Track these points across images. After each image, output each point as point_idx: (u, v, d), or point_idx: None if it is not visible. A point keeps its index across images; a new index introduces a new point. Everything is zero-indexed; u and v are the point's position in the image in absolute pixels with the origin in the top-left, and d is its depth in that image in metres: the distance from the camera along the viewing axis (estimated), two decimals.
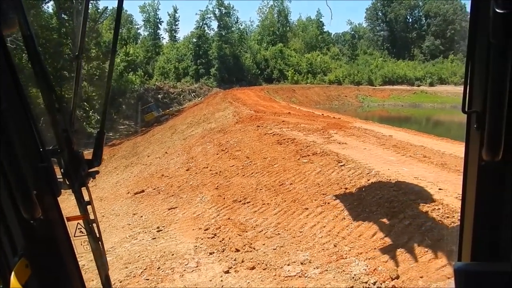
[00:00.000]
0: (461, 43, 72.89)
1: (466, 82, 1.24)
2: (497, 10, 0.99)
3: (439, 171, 8.13)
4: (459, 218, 4.60)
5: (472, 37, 1.19)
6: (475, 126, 1.25)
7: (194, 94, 51.52)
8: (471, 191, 1.34)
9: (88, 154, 1.48)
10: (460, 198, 1.37)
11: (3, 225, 1.26)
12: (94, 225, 1.53)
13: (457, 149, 10.89)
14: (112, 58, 1.62)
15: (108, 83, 1.61)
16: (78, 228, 1.51)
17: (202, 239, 6.75)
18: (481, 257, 1.35)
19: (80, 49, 1.48)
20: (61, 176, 1.39)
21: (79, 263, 1.54)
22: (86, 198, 1.49)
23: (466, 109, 1.27)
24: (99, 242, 1.56)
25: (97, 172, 1.49)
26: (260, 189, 8.76)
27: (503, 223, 1.30)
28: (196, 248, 6.36)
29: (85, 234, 1.52)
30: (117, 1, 1.39)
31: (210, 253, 6.09)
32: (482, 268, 1.32)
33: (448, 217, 5.49)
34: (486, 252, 1.35)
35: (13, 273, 1.20)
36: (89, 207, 1.50)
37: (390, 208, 6.21)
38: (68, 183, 1.40)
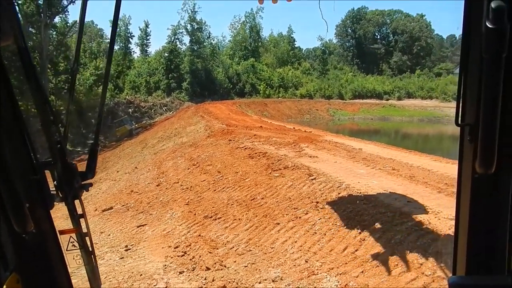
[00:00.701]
0: (426, 59, 75.77)
1: (459, 96, 1.27)
2: (489, 26, 1.03)
3: (407, 184, 8.27)
4: (427, 230, 4.62)
5: (465, 51, 1.21)
6: (468, 138, 1.27)
7: (165, 108, 50.99)
8: (465, 203, 1.34)
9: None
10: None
11: None
12: (87, 238, 1.50)
13: (425, 161, 11.16)
14: (107, 69, 1.60)
15: (103, 96, 1.61)
16: (71, 242, 1.48)
17: (171, 257, 6.56)
18: (475, 271, 1.34)
19: (75, 63, 1.51)
20: (54, 188, 1.36)
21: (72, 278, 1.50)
22: (79, 211, 1.47)
23: (459, 122, 1.29)
24: (92, 256, 1.53)
25: (91, 184, 1.47)
26: (232, 204, 8.66)
27: (498, 236, 1.30)
28: (165, 267, 6.17)
29: (78, 248, 1.49)
30: (113, 14, 1.39)
31: (180, 272, 5.91)
32: (477, 281, 1.32)
33: (416, 229, 5.55)
34: (481, 266, 1.34)
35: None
36: (82, 220, 1.48)
37: (360, 222, 6.24)
38: (61, 195, 1.38)
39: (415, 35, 75.41)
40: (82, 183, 1.43)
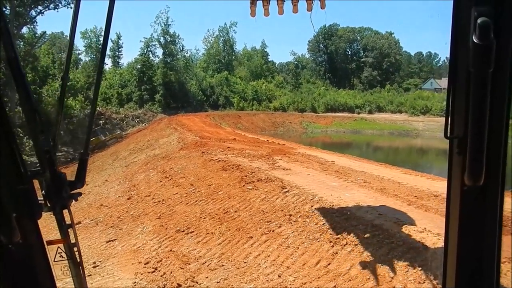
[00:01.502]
0: (396, 74, 78.05)
1: (447, 109, 1.28)
2: (476, 41, 1.08)
3: (378, 196, 8.38)
4: (397, 242, 4.66)
5: (453, 66, 1.24)
6: (457, 151, 1.27)
7: (138, 120, 50.24)
8: (454, 215, 1.34)
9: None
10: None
11: None
12: (75, 249, 1.46)
13: (395, 174, 11.38)
14: (98, 79, 1.58)
15: (93, 106, 1.59)
16: (59, 253, 1.44)
17: (142, 274, 6.38)
18: (465, 283, 1.35)
19: (66, 71, 1.49)
20: (42, 198, 1.33)
21: None
22: (68, 221, 1.44)
23: (448, 135, 1.29)
24: (80, 267, 1.49)
25: (80, 194, 1.44)
26: (204, 218, 8.54)
27: (487, 248, 1.31)
28: (135, 285, 5.99)
29: (66, 258, 1.45)
30: (104, 23, 1.39)
31: None
32: None
33: (387, 242, 5.61)
34: (471, 278, 1.34)
35: None
36: (70, 230, 1.45)
37: (333, 235, 6.26)
38: (49, 205, 1.35)
39: (385, 51, 77.81)
40: (71, 192, 1.41)
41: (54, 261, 1.43)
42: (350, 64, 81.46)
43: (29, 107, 1.27)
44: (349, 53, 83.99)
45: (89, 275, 6.75)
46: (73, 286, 1.52)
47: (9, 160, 1.21)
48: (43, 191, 1.35)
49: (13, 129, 1.23)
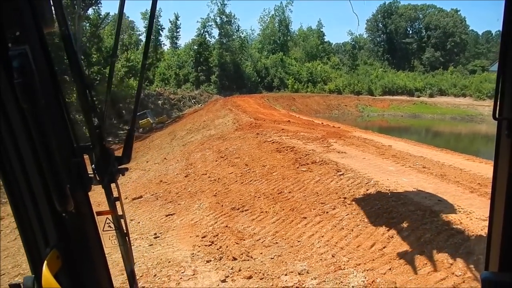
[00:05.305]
0: (460, 55, 73.27)
1: (497, 89, 1.22)
2: None
3: (438, 182, 8.10)
4: (458, 230, 4.53)
5: (505, 43, 1.18)
6: (506, 133, 1.23)
7: (194, 100, 51.53)
8: (500, 199, 1.31)
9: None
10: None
11: (36, 217, 1.30)
12: (122, 220, 1.55)
13: (457, 160, 10.88)
14: (144, 57, 1.67)
15: (140, 84, 1.67)
16: (107, 223, 1.53)
17: (199, 246, 6.69)
18: (509, 267, 1.33)
19: (114, 50, 1.55)
20: (91, 172, 1.40)
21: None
22: (115, 194, 1.52)
23: (497, 116, 1.24)
24: (126, 238, 1.58)
25: (126, 169, 1.50)
26: (259, 197, 8.72)
27: None
28: (193, 256, 6.30)
29: (113, 229, 1.54)
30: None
31: (207, 261, 6.02)
32: (510, 278, 1.30)
33: (447, 229, 5.45)
34: None
35: (45, 263, 1.23)
36: (117, 203, 1.52)
37: (389, 219, 6.17)
38: (98, 178, 1.42)
39: (449, 30, 72.86)
40: (119, 167, 1.47)
41: (103, 230, 1.51)
42: (411, 45, 77.31)
43: (81, 85, 1.30)
44: (410, 32, 79.58)
45: (150, 245, 7.20)
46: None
47: (63, 135, 1.29)
48: (93, 165, 1.41)
49: (67, 106, 1.30)
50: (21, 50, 1.05)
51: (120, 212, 1.53)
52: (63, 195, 1.19)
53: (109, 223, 1.52)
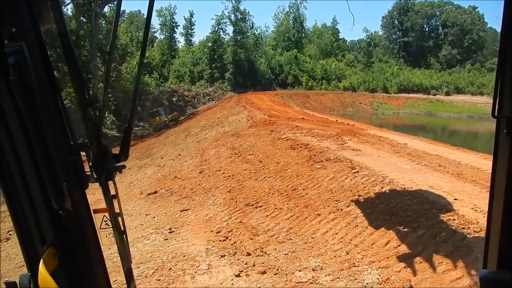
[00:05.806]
0: (478, 53, 71.85)
1: (496, 87, 1.22)
2: None
3: (454, 181, 8.01)
4: (474, 229, 4.49)
5: (504, 40, 1.18)
6: (504, 131, 1.23)
7: (208, 97, 51.74)
8: (499, 198, 1.31)
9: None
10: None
11: (33, 215, 1.28)
12: (119, 218, 1.55)
13: (474, 159, 10.73)
14: (143, 52, 1.65)
15: (137, 80, 1.68)
16: (104, 221, 1.53)
17: (213, 241, 6.76)
18: (507, 265, 1.32)
19: (111, 47, 1.54)
20: (88, 170, 1.41)
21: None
22: (112, 192, 1.52)
23: (496, 114, 1.25)
24: (123, 235, 1.58)
25: (124, 166, 1.50)
26: (273, 194, 8.75)
27: None
28: (207, 251, 6.37)
29: (110, 226, 1.54)
30: (147, 5, 1.40)
31: (222, 256, 6.09)
32: (508, 276, 1.30)
33: (463, 228, 5.40)
34: None
35: (41, 261, 1.23)
36: (114, 200, 1.53)
37: (404, 217, 6.14)
38: (95, 176, 1.42)
39: (467, 28, 71.45)
40: (116, 165, 1.47)
41: (100, 228, 1.51)
42: (427, 42, 76.11)
43: (78, 81, 1.30)
44: (426, 29, 78.31)
45: (165, 239, 7.30)
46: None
47: (60, 133, 1.28)
48: (90, 163, 1.41)
49: (64, 104, 1.30)
50: (17, 47, 1.04)
51: (117, 210, 1.54)
52: (60, 193, 1.18)
53: (106, 221, 1.53)
